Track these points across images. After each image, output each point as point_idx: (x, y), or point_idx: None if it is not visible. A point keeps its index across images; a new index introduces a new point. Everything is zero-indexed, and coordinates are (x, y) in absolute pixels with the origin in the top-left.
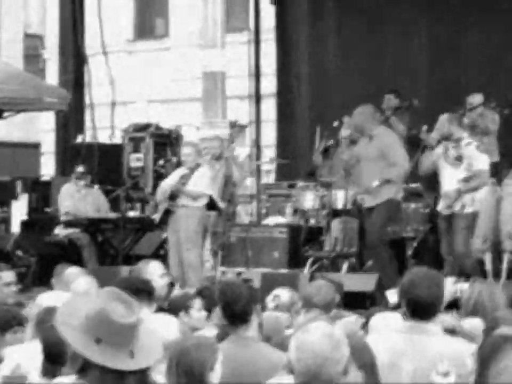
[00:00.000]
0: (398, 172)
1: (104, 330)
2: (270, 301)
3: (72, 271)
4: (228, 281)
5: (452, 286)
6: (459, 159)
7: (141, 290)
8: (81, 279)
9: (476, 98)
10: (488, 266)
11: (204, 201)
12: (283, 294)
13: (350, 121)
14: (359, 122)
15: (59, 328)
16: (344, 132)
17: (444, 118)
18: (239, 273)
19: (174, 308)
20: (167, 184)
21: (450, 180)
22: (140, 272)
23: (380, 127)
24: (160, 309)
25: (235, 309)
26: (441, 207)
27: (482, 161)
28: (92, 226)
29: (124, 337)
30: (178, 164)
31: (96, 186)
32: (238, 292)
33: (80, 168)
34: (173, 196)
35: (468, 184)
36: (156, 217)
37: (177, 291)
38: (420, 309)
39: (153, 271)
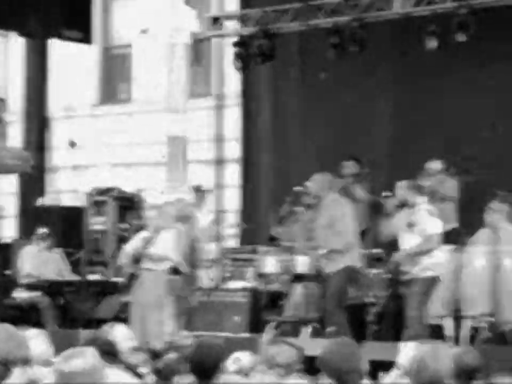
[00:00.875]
0: (342, 242)
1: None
2: (230, 364)
3: (30, 333)
4: (201, 339)
5: (412, 351)
6: (411, 225)
7: (106, 353)
8: (38, 341)
9: (435, 165)
10: (448, 332)
11: (168, 265)
12: (244, 357)
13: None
14: (315, 190)
15: None
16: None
17: (401, 184)
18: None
19: (168, 371)
20: (131, 247)
21: (406, 245)
22: (105, 335)
23: (332, 194)
24: (155, 371)
25: (206, 366)
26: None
27: (432, 226)
28: (52, 288)
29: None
30: (141, 227)
31: (57, 249)
32: (210, 349)
33: (42, 230)
34: (136, 260)
35: (416, 247)
36: (121, 281)
37: (170, 355)
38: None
39: (119, 335)
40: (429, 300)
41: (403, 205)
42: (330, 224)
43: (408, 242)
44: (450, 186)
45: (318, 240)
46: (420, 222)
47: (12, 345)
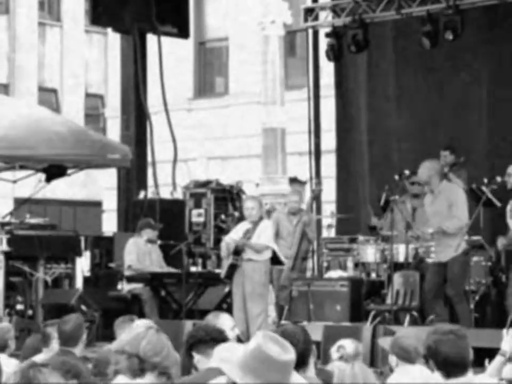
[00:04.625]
0: (455, 225)
1: (261, 366)
2: (334, 351)
3: (140, 323)
4: (283, 327)
5: None
6: None
7: (217, 340)
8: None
9: None
10: None
11: (268, 255)
12: (347, 344)
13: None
14: (426, 177)
15: (220, 365)
16: None
17: None
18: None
19: None
20: (231, 239)
21: None
22: (214, 323)
23: (444, 181)
24: None
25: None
26: None
27: None
28: (154, 280)
29: (279, 374)
30: (240, 219)
31: (158, 242)
32: (295, 336)
33: (153, 221)
34: (237, 251)
35: None
36: (221, 272)
37: None
38: (451, 367)
39: (224, 323)
40: None
41: None
42: (447, 209)
43: None
44: None
45: (431, 226)
46: None
47: (163, 354)
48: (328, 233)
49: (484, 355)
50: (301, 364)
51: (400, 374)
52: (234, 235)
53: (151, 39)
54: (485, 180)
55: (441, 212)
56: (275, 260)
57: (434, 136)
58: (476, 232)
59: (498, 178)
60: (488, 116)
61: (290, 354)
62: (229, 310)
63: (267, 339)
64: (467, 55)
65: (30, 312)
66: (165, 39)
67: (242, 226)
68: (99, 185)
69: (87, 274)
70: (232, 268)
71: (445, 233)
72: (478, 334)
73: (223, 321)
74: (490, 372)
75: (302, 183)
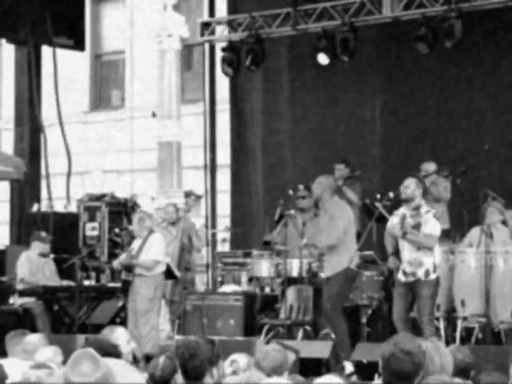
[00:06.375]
0: (325, 242)
1: None
2: (227, 366)
3: (32, 339)
4: (188, 338)
5: None
6: (417, 227)
7: (110, 355)
8: (47, 348)
9: (430, 166)
10: (442, 332)
11: (160, 269)
12: (240, 359)
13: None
14: (318, 193)
15: None
16: None
17: (412, 181)
18: None
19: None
20: (123, 256)
21: (409, 248)
22: (108, 338)
23: (334, 198)
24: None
25: (189, 367)
26: (400, 274)
27: (431, 227)
28: (47, 294)
29: None
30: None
31: (51, 256)
32: (195, 350)
33: (43, 234)
34: (128, 268)
35: (414, 237)
36: (116, 287)
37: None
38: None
39: (119, 337)
40: (436, 301)
41: (405, 200)
42: (327, 226)
43: (410, 245)
44: (444, 187)
45: (316, 241)
46: (424, 223)
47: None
48: (223, 247)
49: (375, 369)
50: (195, 380)
51: None
52: (124, 255)
53: (46, 51)
54: (378, 196)
55: (325, 229)
56: (169, 274)
57: (328, 151)
58: (368, 247)
59: (391, 194)
60: (381, 131)
61: (98, 372)
62: (123, 324)
63: (73, 360)
64: (362, 71)
65: None
66: (60, 52)
67: (135, 243)
68: None
69: None
70: (126, 284)
71: (315, 246)
72: (369, 348)
73: (119, 335)
74: None
75: (198, 197)
